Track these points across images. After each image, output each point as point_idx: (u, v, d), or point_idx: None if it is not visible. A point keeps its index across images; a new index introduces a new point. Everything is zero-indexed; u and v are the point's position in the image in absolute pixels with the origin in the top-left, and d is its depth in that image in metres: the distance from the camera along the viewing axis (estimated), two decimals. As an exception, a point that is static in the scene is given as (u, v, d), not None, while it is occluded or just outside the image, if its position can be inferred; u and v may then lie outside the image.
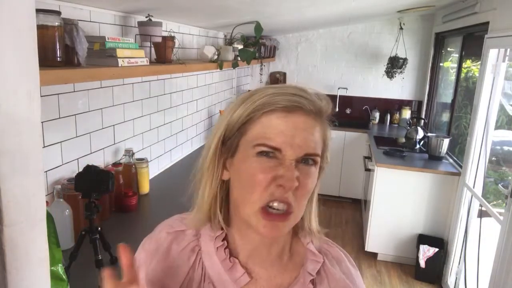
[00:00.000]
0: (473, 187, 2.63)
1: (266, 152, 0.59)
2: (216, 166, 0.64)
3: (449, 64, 3.98)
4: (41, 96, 0.82)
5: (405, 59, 4.25)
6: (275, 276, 0.67)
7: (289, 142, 0.58)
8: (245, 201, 0.60)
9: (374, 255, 3.33)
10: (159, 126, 2.46)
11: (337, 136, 4.23)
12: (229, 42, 2.89)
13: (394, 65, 4.25)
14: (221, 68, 2.53)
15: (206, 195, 0.66)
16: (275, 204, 0.58)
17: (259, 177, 0.58)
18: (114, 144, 1.99)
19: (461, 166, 2.92)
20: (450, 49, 4.00)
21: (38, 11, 1.08)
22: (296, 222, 0.62)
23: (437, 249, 2.92)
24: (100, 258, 1.31)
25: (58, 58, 1.18)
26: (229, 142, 0.63)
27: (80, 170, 1.44)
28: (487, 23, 2.57)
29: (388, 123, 4.64)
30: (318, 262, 0.68)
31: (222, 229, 0.67)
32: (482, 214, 2.61)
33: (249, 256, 0.67)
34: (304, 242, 0.71)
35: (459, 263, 2.83)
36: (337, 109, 4.73)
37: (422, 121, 4.03)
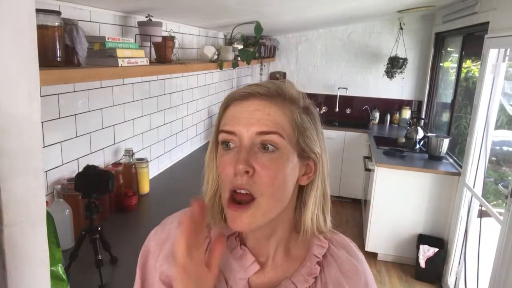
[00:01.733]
0: (473, 187, 2.63)
1: (227, 142, 0.61)
2: (213, 163, 0.66)
3: (449, 64, 3.98)
4: (41, 96, 0.82)
5: (405, 59, 4.25)
6: (281, 264, 0.68)
7: (242, 123, 0.59)
8: (222, 195, 0.63)
9: (374, 255, 3.33)
10: (159, 126, 2.46)
11: (337, 136, 4.23)
12: (229, 42, 2.89)
13: (394, 65, 4.25)
14: (221, 68, 2.53)
15: (208, 191, 0.67)
16: (238, 191, 0.59)
17: (222, 170, 0.60)
18: (114, 144, 1.99)
19: (461, 166, 2.92)
20: (450, 49, 4.00)
21: (38, 11, 1.08)
22: (265, 215, 0.60)
23: (437, 249, 2.92)
24: (100, 258, 1.32)
25: (58, 58, 1.18)
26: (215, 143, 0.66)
27: (80, 170, 1.44)
28: (487, 23, 2.57)
29: (388, 123, 4.64)
30: (323, 247, 0.69)
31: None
32: (482, 214, 2.61)
33: (255, 247, 0.67)
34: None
35: (459, 263, 2.83)
36: (337, 109, 4.73)
37: (422, 121, 4.03)
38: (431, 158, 3.26)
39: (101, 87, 1.82)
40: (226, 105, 0.63)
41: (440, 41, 4.10)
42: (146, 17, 1.87)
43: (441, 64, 4.14)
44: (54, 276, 1.10)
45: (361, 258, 0.72)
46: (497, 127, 2.68)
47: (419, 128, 3.64)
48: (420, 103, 4.53)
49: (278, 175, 0.59)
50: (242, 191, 0.59)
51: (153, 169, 2.41)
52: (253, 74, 4.85)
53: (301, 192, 0.67)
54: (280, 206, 0.62)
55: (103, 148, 1.90)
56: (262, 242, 0.67)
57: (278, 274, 0.67)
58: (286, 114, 0.61)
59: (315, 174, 0.65)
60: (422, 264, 2.95)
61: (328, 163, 0.68)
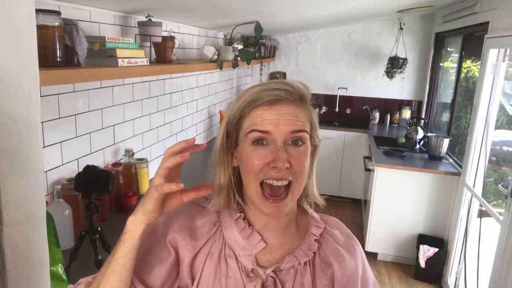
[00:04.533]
0: (473, 187, 2.63)
1: (259, 140, 0.69)
2: (225, 156, 0.75)
3: (449, 64, 3.98)
4: (41, 96, 0.81)
5: (405, 59, 4.25)
6: (286, 243, 0.78)
7: (275, 124, 0.68)
8: (248, 184, 0.71)
9: (374, 255, 3.33)
10: (159, 126, 2.46)
11: (337, 136, 4.23)
12: (229, 42, 2.89)
13: (394, 65, 4.25)
14: (221, 68, 2.53)
15: (222, 181, 0.75)
16: (271, 181, 0.69)
17: (254, 163, 0.69)
18: (114, 144, 1.99)
19: (461, 166, 2.92)
20: (450, 49, 4.00)
21: (38, 11, 1.08)
22: (295, 200, 0.72)
23: (437, 249, 2.92)
24: (100, 258, 1.32)
25: (58, 58, 1.18)
26: (231, 136, 0.73)
27: (80, 170, 1.44)
28: (487, 23, 2.57)
29: (388, 123, 4.64)
30: (320, 227, 0.80)
31: (239, 206, 0.77)
32: (482, 214, 2.61)
33: (263, 228, 0.77)
34: (308, 212, 0.83)
35: (459, 263, 2.83)
36: (337, 109, 4.73)
37: (422, 121, 4.03)
38: (431, 158, 3.26)
39: (101, 87, 1.82)
40: (252, 106, 0.70)
41: (440, 41, 4.10)
42: (146, 17, 1.87)
43: (441, 64, 4.14)
44: (54, 276, 1.10)
45: (353, 236, 0.85)
46: (497, 127, 2.68)
47: (419, 128, 3.64)
48: (420, 103, 4.53)
49: (305, 164, 0.71)
50: (279, 183, 0.69)
51: (153, 169, 2.41)
52: (253, 74, 4.85)
53: None
54: (303, 187, 0.74)
55: (103, 148, 1.89)
56: (270, 225, 0.76)
57: (283, 252, 0.77)
58: (306, 114, 0.72)
59: (315, 153, 0.77)
60: (422, 264, 2.95)
61: None
